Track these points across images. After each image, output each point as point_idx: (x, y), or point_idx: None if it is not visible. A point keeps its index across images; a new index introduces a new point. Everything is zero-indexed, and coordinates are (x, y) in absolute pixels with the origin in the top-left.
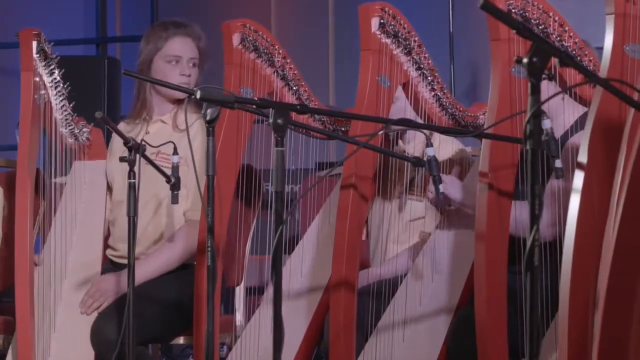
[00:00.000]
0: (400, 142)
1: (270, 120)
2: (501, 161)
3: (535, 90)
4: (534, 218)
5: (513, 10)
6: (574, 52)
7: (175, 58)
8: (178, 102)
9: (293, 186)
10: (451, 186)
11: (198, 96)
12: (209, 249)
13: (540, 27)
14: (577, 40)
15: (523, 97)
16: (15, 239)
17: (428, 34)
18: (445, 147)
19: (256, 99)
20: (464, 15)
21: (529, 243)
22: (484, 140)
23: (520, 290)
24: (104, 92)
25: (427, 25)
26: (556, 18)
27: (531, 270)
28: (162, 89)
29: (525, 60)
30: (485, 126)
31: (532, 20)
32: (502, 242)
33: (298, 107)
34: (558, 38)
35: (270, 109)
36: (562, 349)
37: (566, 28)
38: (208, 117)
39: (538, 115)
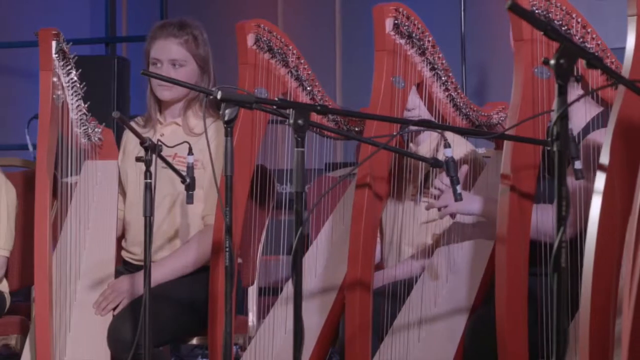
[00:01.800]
0: (411, 144)
1: (291, 121)
2: (523, 162)
3: (562, 92)
4: (561, 220)
5: (537, 11)
6: (596, 54)
7: (157, 61)
8: (186, 104)
9: None
10: (469, 203)
11: (218, 97)
12: (227, 249)
13: (563, 29)
14: (599, 42)
15: (546, 98)
16: (35, 238)
17: (439, 35)
18: (457, 148)
19: (276, 99)
20: (475, 16)
21: (555, 244)
22: (505, 141)
23: (538, 291)
24: (114, 92)
25: (439, 26)
26: (579, 20)
27: (558, 271)
28: (157, 95)
29: (552, 61)
30: (506, 127)
31: (556, 22)
32: (523, 244)
33: (318, 107)
34: (581, 40)
35: (291, 110)
36: (583, 351)
37: (589, 30)
38: (226, 118)
39: (565, 116)
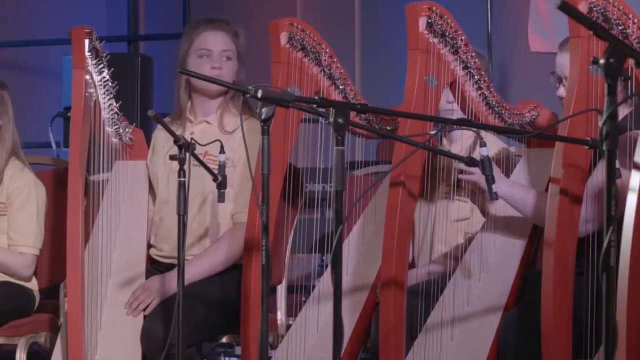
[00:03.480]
0: (444, 140)
1: (331, 120)
2: (574, 163)
3: (612, 91)
4: (610, 219)
5: (594, 9)
6: None
7: (207, 52)
8: (222, 102)
9: (324, 185)
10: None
11: (259, 95)
12: (264, 247)
13: (619, 28)
14: None
15: (599, 95)
16: (67, 236)
17: (466, 34)
18: (490, 147)
19: (315, 97)
20: (502, 15)
21: (605, 244)
22: (557, 142)
23: (585, 290)
24: (137, 90)
25: (465, 25)
26: (635, 20)
27: (607, 271)
28: (200, 88)
29: (602, 61)
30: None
31: (613, 20)
32: (571, 246)
33: (358, 106)
34: (637, 40)
35: (331, 109)
36: (620, 350)
37: None
38: (263, 116)
39: (614, 116)
